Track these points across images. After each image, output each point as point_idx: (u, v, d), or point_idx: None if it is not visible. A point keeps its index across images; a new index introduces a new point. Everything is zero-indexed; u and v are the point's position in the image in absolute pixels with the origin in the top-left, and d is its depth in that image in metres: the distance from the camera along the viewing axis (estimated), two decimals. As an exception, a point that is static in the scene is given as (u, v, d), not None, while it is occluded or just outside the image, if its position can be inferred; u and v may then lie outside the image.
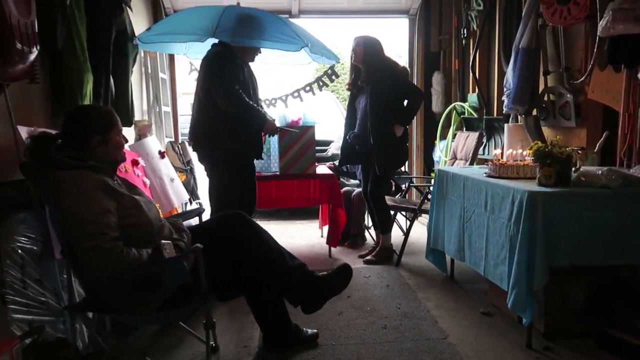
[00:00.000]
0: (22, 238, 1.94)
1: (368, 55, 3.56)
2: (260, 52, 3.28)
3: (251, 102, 3.06)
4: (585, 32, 2.97)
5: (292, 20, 4.87)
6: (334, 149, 5.87)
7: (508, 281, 2.35)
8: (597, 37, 2.72)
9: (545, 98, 3.32)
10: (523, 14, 3.42)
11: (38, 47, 1.99)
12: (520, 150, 2.78)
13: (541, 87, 3.41)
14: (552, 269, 2.29)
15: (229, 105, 2.99)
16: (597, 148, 2.67)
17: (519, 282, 2.27)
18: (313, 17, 5.53)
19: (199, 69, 3.18)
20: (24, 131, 2.10)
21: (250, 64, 3.25)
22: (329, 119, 6.42)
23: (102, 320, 2.12)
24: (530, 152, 2.45)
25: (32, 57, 1.96)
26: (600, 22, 2.51)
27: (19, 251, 1.90)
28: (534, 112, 3.46)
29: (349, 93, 3.87)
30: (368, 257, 3.82)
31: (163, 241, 1.80)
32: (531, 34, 3.34)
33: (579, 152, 2.64)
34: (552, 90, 3.27)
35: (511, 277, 2.32)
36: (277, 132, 3.30)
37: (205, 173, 3.30)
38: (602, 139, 2.69)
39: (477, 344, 2.46)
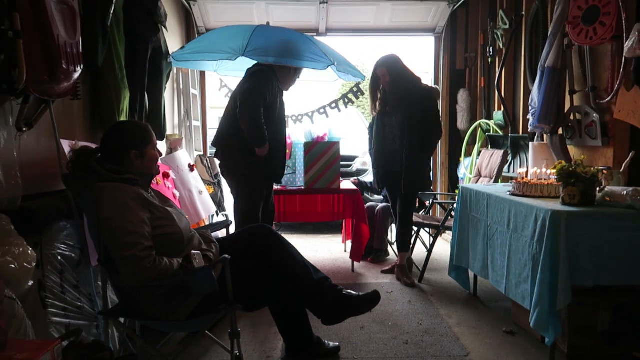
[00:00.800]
0: (62, 245, 2.06)
1: (393, 78, 3.59)
2: (297, 79, 3.41)
3: (263, 130, 3.06)
4: (612, 52, 2.96)
5: (319, 38, 5.02)
6: (359, 164, 5.94)
7: (530, 300, 2.35)
8: (624, 57, 2.72)
9: (571, 117, 3.32)
10: (549, 33, 3.44)
11: (82, 66, 2.13)
12: (544, 169, 2.79)
13: (567, 106, 3.41)
14: (577, 289, 2.28)
15: (245, 117, 3.03)
16: (623, 168, 2.65)
17: (542, 301, 2.26)
18: (340, 36, 5.64)
19: (243, 78, 3.25)
20: (66, 144, 2.23)
21: None
22: (354, 135, 6.49)
23: (132, 325, 2.21)
24: (555, 171, 2.46)
25: (76, 75, 2.09)
26: (627, 42, 2.52)
27: (59, 258, 2.02)
28: (560, 131, 3.45)
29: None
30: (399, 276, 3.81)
31: (193, 251, 1.88)
32: (557, 53, 3.35)
33: (605, 171, 2.62)
34: (578, 109, 3.26)
35: (534, 296, 2.31)
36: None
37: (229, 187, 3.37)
38: (628, 159, 2.66)
39: (499, 362, 2.46)
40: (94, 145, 2.11)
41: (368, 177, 5.30)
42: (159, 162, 3.69)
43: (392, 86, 3.59)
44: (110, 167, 1.96)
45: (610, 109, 2.99)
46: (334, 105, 4.51)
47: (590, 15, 2.95)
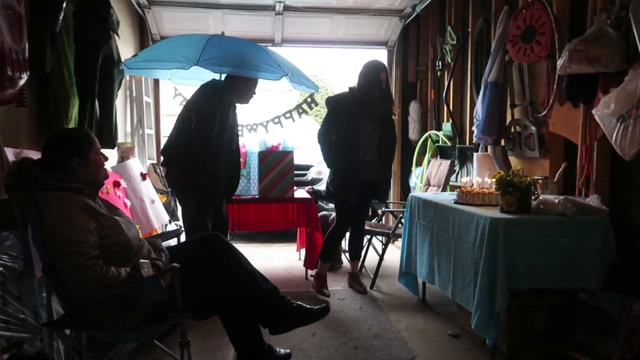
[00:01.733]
0: (4, 256, 2.00)
1: (386, 87, 3.63)
2: (254, 94, 3.38)
3: (212, 159, 3.05)
4: (547, 69, 3.17)
5: (275, 48, 5.07)
6: (314, 173, 6.01)
7: (473, 303, 2.47)
8: (557, 75, 2.91)
9: (512, 129, 3.51)
10: (492, 49, 3.63)
11: (28, 73, 2.09)
12: (487, 179, 2.94)
13: (508, 119, 3.60)
14: (514, 292, 2.42)
15: (200, 144, 3.00)
16: (556, 178, 2.84)
17: (482, 304, 2.39)
18: (295, 46, 5.73)
19: (198, 91, 3.20)
20: (10, 152, 2.18)
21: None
22: (309, 144, 6.56)
23: (79, 337, 2.17)
24: (494, 180, 2.60)
25: (22, 82, 2.05)
26: (559, 60, 2.70)
27: (1, 269, 1.96)
28: (502, 143, 3.64)
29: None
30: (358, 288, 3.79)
31: (141, 260, 1.88)
32: (499, 68, 3.54)
33: (540, 181, 2.80)
34: (517, 122, 3.46)
35: (475, 300, 2.44)
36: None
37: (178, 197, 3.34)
38: (561, 169, 2.86)
39: (443, 364, 2.56)
40: (35, 157, 2.06)
41: (322, 186, 5.38)
42: (110, 170, 3.66)
43: (382, 95, 3.59)
44: (55, 175, 1.93)
45: (546, 122, 3.19)
46: (288, 115, 4.58)
47: (527, 35, 3.15)
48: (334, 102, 3.65)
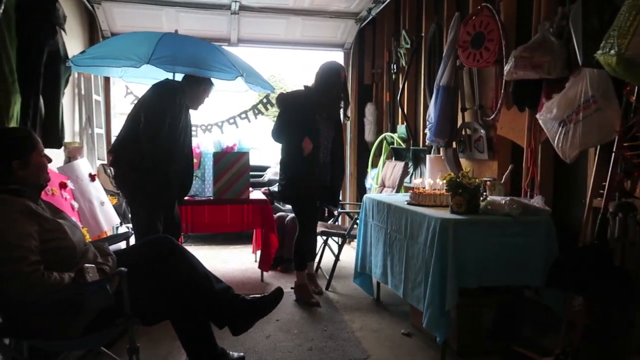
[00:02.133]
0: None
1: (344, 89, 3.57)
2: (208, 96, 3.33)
3: (157, 160, 2.98)
4: (496, 75, 3.28)
5: (231, 48, 5.02)
6: (271, 174, 5.97)
7: (424, 302, 2.53)
8: (504, 80, 3.02)
9: (463, 132, 3.61)
10: (444, 54, 3.73)
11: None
12: (438, 180, 3.01)
13: (459, 122, 3.70)
14: (464, 290, 2.49)
15: (147, 145, 2.95)
16: (503, 179, 2.94)
17: (433, 303, 2.44)
18: (252, 46, 5.68)
19: (149, 91, 3.13)
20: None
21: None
22: (266, 145, 6.53)
23: (19, 347, 2.06)
24: (445, 182, 2.67)
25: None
26: (506, 66, 2.80)
27: None
28: (453, 145, 3.74)
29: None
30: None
31: (86, 265, 1.82)
32: (450, 73, 3.64)
33: (488, 182, 2.89)
34: (468, 125, 3.56)
35: (426, 299, 2.49)
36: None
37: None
38: (507, 171, 2.96)
39: (396, 362, 2.60)
40: None
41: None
42: (56, 171, 3.51)
43: (340, 97, 3.54)
44: None
45: (494, 125, 3.31)
46: (244, 115, 4.54)
47: (477, 41, 3.25)
48: (289, 100, 3.52)
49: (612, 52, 1.64)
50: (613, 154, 2.17)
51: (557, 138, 2.43)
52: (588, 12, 2.13)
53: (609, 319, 2.07)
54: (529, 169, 2.92)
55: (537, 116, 2.61)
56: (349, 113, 3.74)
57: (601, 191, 2.23)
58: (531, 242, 2.50)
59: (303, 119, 3.41)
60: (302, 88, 3.56)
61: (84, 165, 4.07)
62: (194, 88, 3.21)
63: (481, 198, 2.64)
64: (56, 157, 3.93)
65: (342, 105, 3.58)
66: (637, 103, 2.07)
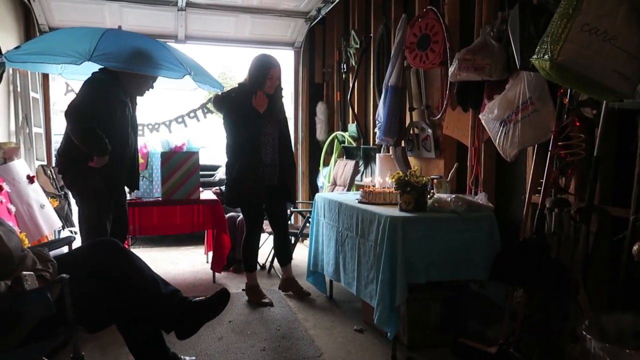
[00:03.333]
0: None
1: (280, 84, 3.43)
2: (152, 87, 3.17)
3: (97, 142, 2.85)
4: (441, 76, 3.38)
5: (178, 45, 4.91)
6: (222, 173, 5.89)
7: (376, 299, 2.57)
8: (449, 81, 3.12)
9: (411, 131, 3.70)
10: (392, 54, 3.81)
11: None
12: (388, 179, 3.07)
13: (407, 121, 3.79)
14: (412, 286, 2.55)
15: (75, 134, 2.83)
16: (449, 177, 3.04)
17: (383, 299, 2.50)
18: (200, 44, 5.58)
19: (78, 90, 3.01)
20: None
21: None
22: (217, 144, 6.44)
23: (-50, 361, 1.94)
24: (393, 180, 2.73)
25: None
26: (450, 68, 2.90)
27: None
28: (402, 144, 3.83)
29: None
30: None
31: (24, 272, 1.73)
32: (398, 73, 3.72)
33: (435, 180, 2.98)
34: (416, 124, 3.66)
35: (377, 295, 2.54)
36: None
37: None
38: (453, 169, 3.07)
39: (348, 359, 2.64)
40: None
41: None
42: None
43: (277, 92, 3.42)
44: None
45: (441, 125, 3.41)
46: (192, 114, 4.45)
47: (423, 42, 3.34)
48: (226, 100, 3.42)
49: (546, 57, 1.73)
50: (549, 152, 2.29)
51: (498, 137, 2.54)
52: (524, 18, 2.23)
53: (547, 310, 2.19)
54: (473, 167, 3.04)
55: (480, 116, 2.72)
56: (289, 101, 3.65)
57: (539, 188, 2.35)
58: (475, 238, 2.59)
59: (244, 116, 3.31)
60: (237, 86, 3.48)
61: (21, 167, 3.86)
62: (130, 78, 3.02)
63: (428, 196, 2.72)
64: (-10, 158, 3.73)
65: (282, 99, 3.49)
66: (570, 105, 2.19)
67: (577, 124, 2.22)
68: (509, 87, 2.53)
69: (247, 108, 3.31)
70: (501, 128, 2.51)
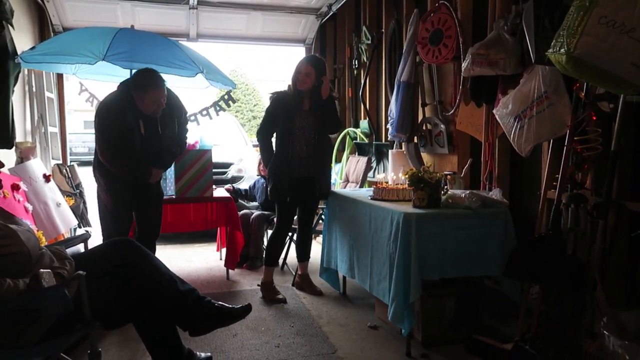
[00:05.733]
0: None
1: (319, 81, 3.32)
2: (161, 105, 2.98)
3: (125, 161, 2.96)
4: (454, 71, 3.36)
5: (190, 44, 4.93)
6: (234, 171, 5.92)
7: (389, 296, 2.57)
8: (462, 76, 3.09)
9: (424, 127, 3.68)
10: (404, 50, 3.78)
11: None
12: (401, 175, 3.06)
13: (420, 117, 3.77)
14: (426, 282, 2.54)
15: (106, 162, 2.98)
16: (462, 173, 3.02)
17: (397, 296, 2.49)
18: (211, 42, 5.60)
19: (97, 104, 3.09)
20: None
21: None
22: (229, 141, 6.47)
23: (-28, 357, 1.98)
24: (407, 176, 2.72)
25: None
26: (463, 63, 2.87)
27: None
28: (415, 140, 3.80)
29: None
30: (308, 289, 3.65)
31: (42, 270, 1.75)
32: (410, 69, 3.70)
33: (449, 176, 2.96)
34: (428, 120, 3.63)
35: (391, 292, 2.53)
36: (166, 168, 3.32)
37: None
38: (467, 165, 3.05)
39: (362, 355, 2.63)
40: None
41: (243, 184, 5.31)
42: (6, 172, 3.36)
43: (315, 89, 3.33)
44: None
45: (454, 120, 3.38)
46: (205, 112, 4.46)
47: (435, 37, 3.31)
48: (273, 98, 3.48)
49: (562, 50, 1.70)
50: (565, 147, 2.26)
51: (512, 132, 2.51)
52: (539, 11, 2.20)
53: (563, 306, 2.16)
54: (487, 162, 3.01)
55: (494, 111, 2.69)
56: (334, 95, 3.54)
57: (555, 183, 2.32)
58: (490, 234, 2.57)
59: (281, 115, 3.38)
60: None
61: (38, 166, 3.92)
62: (138, 93, 2.92)
63: (442, 192, 2.70)
64: (7, 157, 3.78)
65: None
66: (586, 99, 2.16)
67: (594, 118, 2.19)
68: (523, 82, 2.50)
69: (283, 109, 3.36)
70: (516, 123, 2.49)
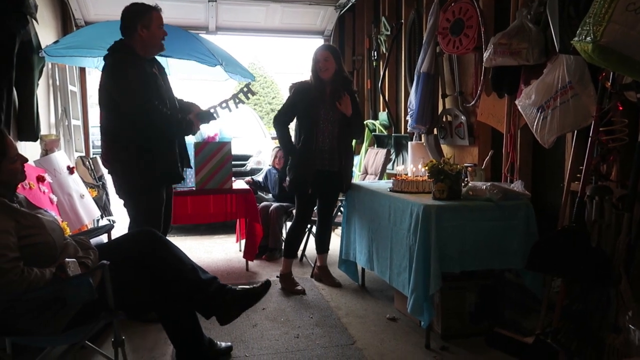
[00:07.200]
0: None
1: (339, 69, 3.30)
2: (164, 40, 2.84)
3: (169, 114, 2.70)
4: (475, 61, 3.31)
5: (209, 36, 4.95)
6: (253, 163, 5.95)
7: (409, 288, 2.56)
8: (484, 66, 3.05)
9: (444, 119, 3.64)
10: (424, 41, 3.74)
11: None
12: (420, 167, 3.04)
13: (440, 108, 3.73)
14: (447, 275, 2.53)
15: (152, 126, 2.66)
16: (484, 165, 2.98)
17: (417, 288, 2.48)
18: (230, 34, 5.62)
19: (99, 81, 2.77)
20: None
21: (169, 78, 2.99)
22: (248, 134, 6.50)
23: (2, 343, 2.03)
24: (427, 168, 2.70)
25: None
26: (485, 53, 2.83)
27: None
28: (435, 131, 3.77)
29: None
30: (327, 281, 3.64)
31: (67, 259, 1.79)
32: (430, 59, 3.65)
33: (470, 168, 2.93)
34: (448, 111, 3.59)
35: (410, 284, 2.53)
36: (209, 119, 2.98)
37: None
38: (488, 157, 3.01)
39: (382, 347, 2.63)
40: None
41: (262, 177, 5.34)
42: (32, 164, 3.44)
43: (334, 78, 3.30)
44: None
45: (475, 111, 3.34)
46: (224, 105, 4.47)
47: (456, 27, 3.27)
48: (294, 89, 3.43)
49: (588, 39, 1.66)
50: (589, 138, 2.22)
51: (535, 123, 2.47)
52: (564, 0, 2.15)
53: (587, 300, 2.13)
54: (508, 154, 2.97)
55: (516, 102, 2.65)
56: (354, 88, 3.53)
57: (578, 175, 2.28)
58: (511, 226, 2.54)
59: (303, 106, 3.33)
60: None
61: (62, 158, 4.00)
62: (140, 36, 2.72)
63: (463, 184, 2.67)
64: (32, 150, 3.87)
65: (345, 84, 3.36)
66: (612, 89, 2.11)
67: (620, 108, 2.14)
68: (547, 72, 2.45)
69: (305, 99, 3.31)
70: (539, 114, 2.44)
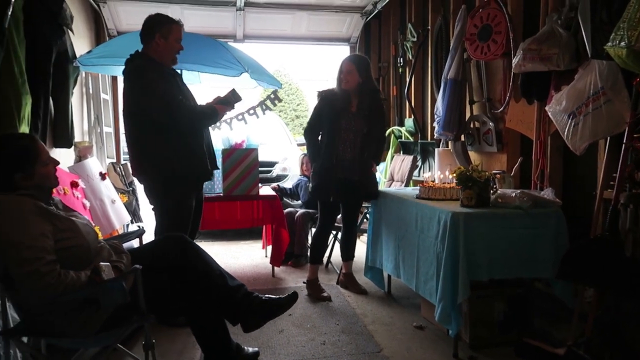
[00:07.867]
0: (-45, 263, 1.91)
1: (364, 80, 3.29)
2: (178, 54, 2.90)
3: (193, 105, 2.77)
4: (503, 67, 3.27)
5: (236, 44, 5.02)
6: (279, 169, 6.00)
7: (436, 296, 2.54)
8: (512, 72, 3.01)
9: (471, 125, 3.61)
10: (451, 47, 3.72)
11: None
12: (448, 174, 3.01)
13: (467, 115, 3.70)
14: (475, 283, 2.50)
15: (179, 121, 2.68)
16: (513, 172, 2.94)
17: (445, 296, 2.45)
18: (258, 42, 5.70)
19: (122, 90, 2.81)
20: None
21: (187, 82, 3.04)
22: (274, 140, 6.55)
23: (37, 344, 2.10)
24: (455, 175, 2.68)
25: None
26: (514, 59, 2.80)
27: (-49, 276, 1.87)
28: (462, 138, 3.74)
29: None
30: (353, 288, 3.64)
31: (101, 263, 1.84)
32: (458, 66, 3.63)
33: (498, 175, 2.89)
34: (476, 118, 3.56)
35: (438, 292, 2.50)
36: (233, 102, 2.93)
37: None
38: (517, 164, 2.96)
39: (408, 356, 2.61)
40: None
41: (288, 183, 5.38)
42: (67, 170, 3.55)
43: (361, 89, 3.30)
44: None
45: (503, 118, 3.30)
46: (252, 111, 4.55)
47: (484, 33, 3.24)
48: (320, 96, 3.45)
49: (622, 44, 1.63)
50: (623, 145, 2.17)
51: (566, 130, 2.43)
52: (596, 4, 2.12)
53: (620, 311, 2.07)
54: (538, 161, 2.92)
55: (547, 108, 2.61)
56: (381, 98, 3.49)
57: (612, 182, 2.23)
58: (541, 234, 2.50)
59: (327, 114, 3.35)
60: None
61: (94, 164, 4.11)
62: (156, 46, 2.79)
63: (491, 191, 2.64)
64: (67, 156, 3.99)
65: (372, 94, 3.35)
66: (648, 94, 2.06)
67: (656, 114, 2.09)
68: (578, 77, 2.41)
69: (330, 108, 3.33)
70: (570, 120, 2.40)
